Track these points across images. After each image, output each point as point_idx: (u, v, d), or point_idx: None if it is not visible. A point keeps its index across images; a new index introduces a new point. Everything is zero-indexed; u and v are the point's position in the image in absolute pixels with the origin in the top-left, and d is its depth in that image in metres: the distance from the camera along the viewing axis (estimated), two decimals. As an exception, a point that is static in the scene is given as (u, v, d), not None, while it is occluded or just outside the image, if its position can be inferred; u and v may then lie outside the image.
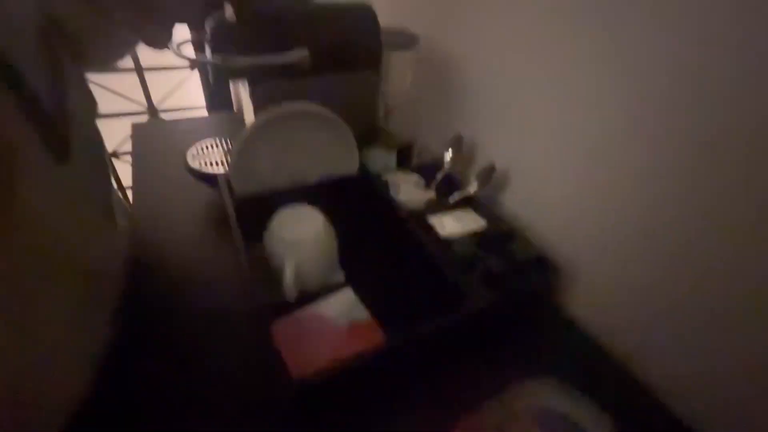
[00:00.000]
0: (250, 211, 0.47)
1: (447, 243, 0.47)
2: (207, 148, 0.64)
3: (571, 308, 0.49)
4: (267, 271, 0.45)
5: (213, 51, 0.47)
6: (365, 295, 0.46)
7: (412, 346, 0.36)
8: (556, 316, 0.48)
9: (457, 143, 0.58)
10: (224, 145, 0.65)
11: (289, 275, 0.43)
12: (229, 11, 0.48)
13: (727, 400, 0.36)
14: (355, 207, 0.53)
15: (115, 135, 1.27)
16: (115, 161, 1.32)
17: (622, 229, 0.42)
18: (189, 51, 0.51)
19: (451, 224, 0.51)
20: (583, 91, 0.43)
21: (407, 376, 0.39)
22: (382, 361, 0.35)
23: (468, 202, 0.54)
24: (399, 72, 0.64)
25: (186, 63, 1.31)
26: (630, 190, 0.40)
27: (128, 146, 1.14)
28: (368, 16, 0.55)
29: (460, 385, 0.38)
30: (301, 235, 0.44)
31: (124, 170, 1.34)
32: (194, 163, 0.60)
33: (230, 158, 0.50)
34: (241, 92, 0.58)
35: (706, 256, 0.35)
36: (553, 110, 0.47)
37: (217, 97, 1.43)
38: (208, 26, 0.49)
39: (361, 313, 0.45)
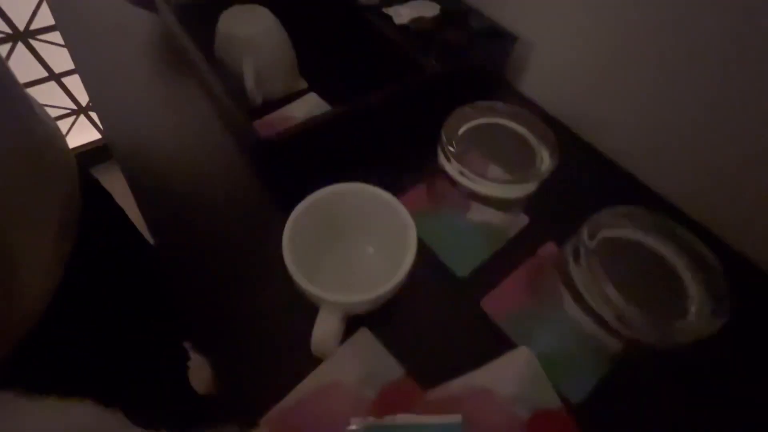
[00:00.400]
0: (194, 20, 0.44)
1: (404, 28, 0.47)
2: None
3: (526, 89, 0.52)
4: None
5: None
6: (330, 99, 0.48)
7: (370, 112, 0.39)
8: (513, 95, 0.52)
9: None
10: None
11: (249, 75, 0.43)
12: None
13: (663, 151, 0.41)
14: (305, 8, 0.50)
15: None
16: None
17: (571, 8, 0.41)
18: None
19: (407, 12, 0.49)
20: None
21: (370, 148, 0.42)
22: (345, 126, 0.38)
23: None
24: None
25: None
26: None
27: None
28: None
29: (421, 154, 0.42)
30: (254, 29, 0.43)
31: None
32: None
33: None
34: None
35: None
36: None
37: None
38: None
39: (326, 108, 0.47)
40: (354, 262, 0.35)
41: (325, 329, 0.27)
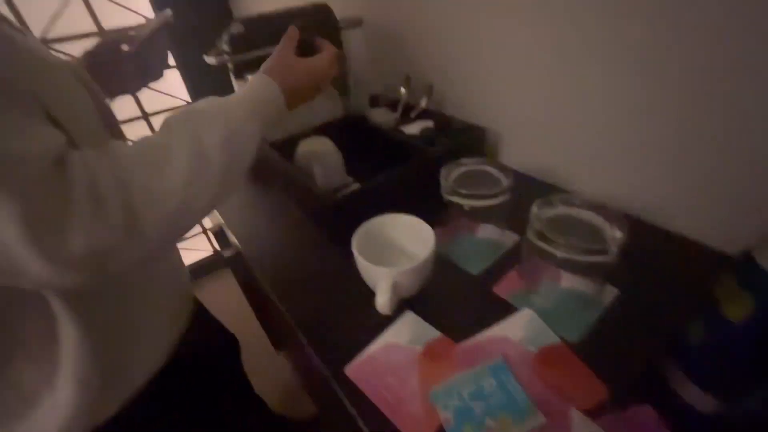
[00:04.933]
0: (282, 147, 0.71)
1: (414, 137, 0.72)
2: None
3: (505, 159, 0.73)
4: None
5: (232, 53, 0.72)
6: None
7: (393, 182, 0.60)
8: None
9: (407, 81, 0.83)
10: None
11: (318, 175, 0.67)
12: (236, 27, 0.74)
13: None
14: (348, 136, 0.77)
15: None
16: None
17: (523, 101, 0.67)
18: (211, 59, 0.76)
19: (414, 128, 0.75)
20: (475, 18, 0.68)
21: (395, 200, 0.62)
22: (377, 190, 0.59)
23: (423, 116, 0.79)
24: (355, 46, 0.89)
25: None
26: (533, 78, 0.65)
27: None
28: (325, 9, 0.81)
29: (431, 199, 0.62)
30: (320, 148, 0.69)
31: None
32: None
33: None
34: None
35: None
36: (460, 37, 0.72)
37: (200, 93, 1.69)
38: (224, 39, 0.74)
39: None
40: (391, 265, 0.51)
41: (383, 290, 0.42)
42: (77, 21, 1.34)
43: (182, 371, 0.50)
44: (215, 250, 2.00)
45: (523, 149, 0.70)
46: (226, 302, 1.77)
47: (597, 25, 0.52)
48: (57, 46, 1.33)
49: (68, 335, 0.37)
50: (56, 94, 0.34)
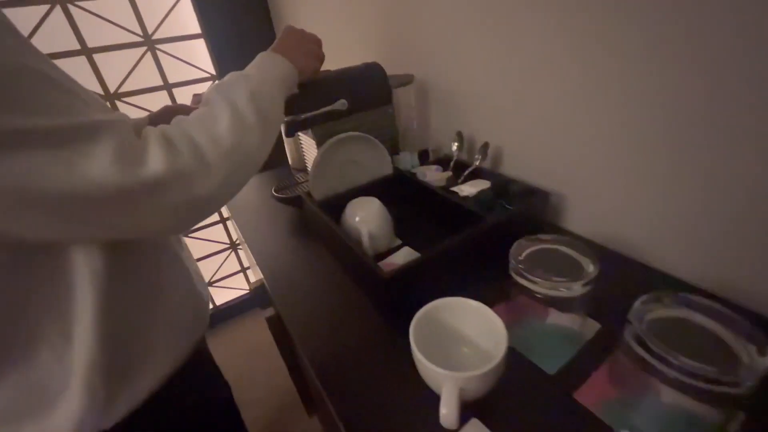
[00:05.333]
0: (330, 207, 0.69)
1: (468, 199, 0.67)
2: (282, 188, 0.89)
3: (571, 227, 0.66)
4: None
5: (287, 115, 0.73)
6: (419, 249, 0.66)
7: (450, 252, 0.55)
8: (556, 231, 0.66)
9: (459, 137, 0.80)
10: (294, 179, 0.90)
11: (365, 238, 0.64)
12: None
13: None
14: (398, 193, 0.74)
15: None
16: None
17: (589, 164, 0.61)
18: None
19: (467, 189, 0.71)
20: (537, 75, 0.65)
21: (457, 275, 0.56)
22: (433, 263, 0.53)
23: (478, 175, 0.75)
24: (405, 103, 0.88)
25: None
26: (600, 139, 0.60)
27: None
28: (377, 68, 0.81)
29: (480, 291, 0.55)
30: (368, 210, 0.66)
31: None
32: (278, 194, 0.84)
33: (310, 174, 0.73)
34: (302, 138, 0.83)
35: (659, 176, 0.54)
36: (519, 96, 0.68)
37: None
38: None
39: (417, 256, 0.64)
40: (452, 359, 0.44)
41: (449, 401, 0.35)
42: (148, 77, 1.47)
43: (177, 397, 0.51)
44: (250, 289, 2.01)
45: (592, 214, 0.63)
46: (257, 350, 1.75)
47: (689, 77, 0.46)
48: (129, 99, 1.46)
49: (82, 339, 0.39)
50: None
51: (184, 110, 0.71)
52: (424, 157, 0.84)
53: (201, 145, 0.39)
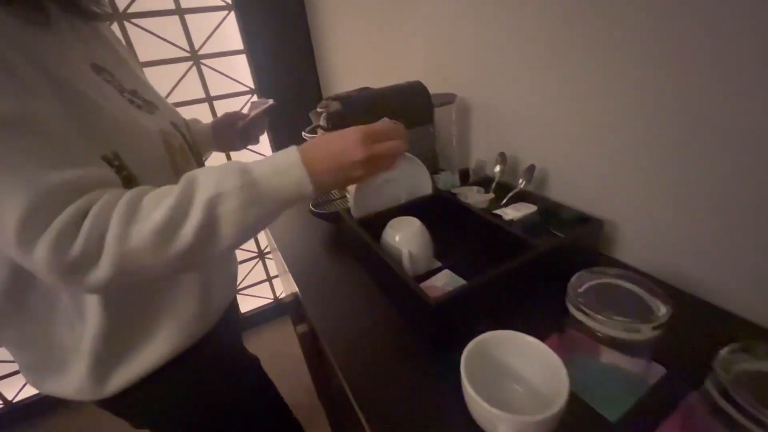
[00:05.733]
0: (369, 225, 0.68)
1: (512, 223, 0.65)
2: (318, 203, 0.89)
3: (623, 258, 0.63)
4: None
5: (330, 131, 0.73)
6: (459, 273, 0.64)
7: (501, 280, 0.52)
8: (611, 262, 0.62)
9: (502, 158, 0.78)
10: (330, 194, 0.90)
11: (406, 259, 0.62)
12: (334, 105, 0.76)
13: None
14: (438, 214, 0.72)
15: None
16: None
17: (644, 190, 0.58)
18: (309, 136, 0.78)
19: (511, 212, 0.68)
20: (588, 98, 0.62)
21: (508, 303, 0.54)
22: (477, 291, 0.51)
23: (522, 198, 0.72)
24: (446, 122, 0.87)
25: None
26: (646, 163, 0.57)
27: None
28: (420, 87, 0.81)
29: (531, 322, 0.52)
30: (409, 231, 0.64)
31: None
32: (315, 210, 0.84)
33: (350, 194, 0.72)
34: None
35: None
36: (568, 117, 0.66)
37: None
38: (323, 117, 0.76)
39: (459, 281, 0.62)
40: (503, 396, 0.41)
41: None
42: (192, 89, 1.54)
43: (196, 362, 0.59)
44: (275, 298, 2.02)
45: (648, 246, 0.59)
46: (279, 362, 1.74)
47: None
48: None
49: (92, 313, 0.48)
50: (132, 150, 0.47)
51: (240, 116, 0.85)
52: (464, 178, 0.83)
53: (109, 236, 0.37)
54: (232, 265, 0.72)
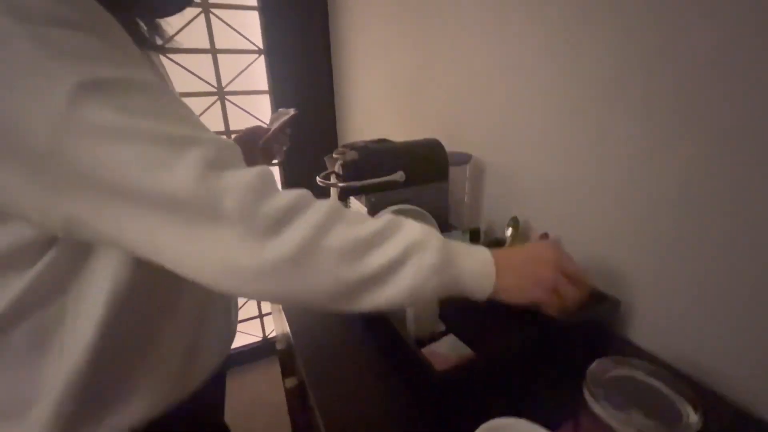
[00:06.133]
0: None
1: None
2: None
3: (637, 341, 0.59)
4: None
5: (345, 179, 0.73)
6: (464, 339, 0.61)
7: (505, 358, 0.49)
8: (627, 344, 0.59)
9: (515, 222, 0.77)
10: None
11: (410, 322, 0.59)
12: (351, 154, 0.77)
13: None
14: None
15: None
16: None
17: (663, 273, 0.56)
18: (329, 180, 0.78)
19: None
20: (602, 165, 0.63)
21: (517, 384, 0.50)
22: (485, 367, 0.48)
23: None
24: (459, 180, 0.88)
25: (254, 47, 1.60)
26: (669, 243, 0.56)
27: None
28: (437, 144, 0.82)
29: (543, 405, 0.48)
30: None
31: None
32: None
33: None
34: (352, 201, 0.83)
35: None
36: (586, 189, 0.66)
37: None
38: (338, 164, 0.77)
39: (465, 349, 0.59)
40: None
41: None
42: (212, 123, 1.58)
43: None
44: (264, 336, 1.94)
45: (663, 329, 0.57)
46: (261, 404, 1.63)
47: None
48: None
49: (70, 359, 0.39)
50: None
51: (262, 131, 0.81)
52: (474, 238, 0.81)
53: (308, 218, 0.34)
54: (232, 322, 0.61)
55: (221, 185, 0.31)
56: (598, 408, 0.38)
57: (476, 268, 0.40)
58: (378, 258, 0.35)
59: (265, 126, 0.82)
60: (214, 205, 0.31)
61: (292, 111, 0.80)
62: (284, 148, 0.83)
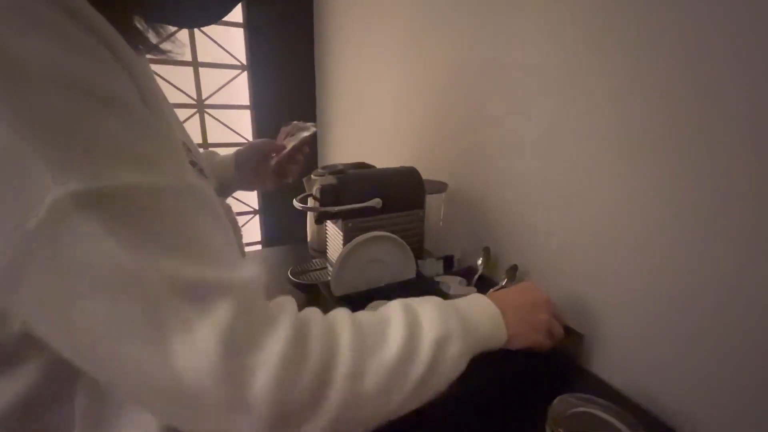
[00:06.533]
0: (348, 303, 0.65)
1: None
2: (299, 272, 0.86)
3: (603, 374, 0.61)
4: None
5: (322, 203, 0.74)
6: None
7: (471, 394, 0.50)
8: (588, 377, 0.61)
9: (486, 252, 0.80)
10: (311, 264, 0.88)
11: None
12: (329, 179, 0.77)
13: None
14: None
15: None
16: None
17: (629, 307, 0.59)
18: (305, 203, 0.78)
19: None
20: (569, 195, 0.66)
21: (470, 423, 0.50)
22: (448, 407, 0.48)
23: (502, 295, 0.72)
24: (435, 208, 0.90)
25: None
26: (635, 269, 0.59)
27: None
28: (414, 173, 0.84)
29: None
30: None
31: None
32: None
33: (333, 269, 0.71)
34: (329, 226, 0.83)
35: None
36: (551, 218, 0.69)
37: (274, 235, 1.78)
38: (316, 188, 0.77)
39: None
40: None
41: None
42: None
43: None
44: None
45: (624, 363, 0.59)
46: None
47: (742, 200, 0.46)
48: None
49: None
50: None
51: (273, 147, 0.71)
52: (448, 264, 0.83)
53: (334, 380, 0.28)
54: None
55: (248, 366, 0.25)
56: (558, 445, 0.39)
57: (490, 326, 0.42)
58: (414, 375, 0.33)
59: (276, 141, 0.72)
60: (237, 395, 0.24)
61: (311, 127, 0.70)
62: (299, 172, 0.75)
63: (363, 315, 0.36)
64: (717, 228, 0.47)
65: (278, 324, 0.27)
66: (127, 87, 0.26)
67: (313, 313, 0.33)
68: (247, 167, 0.69)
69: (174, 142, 0.29)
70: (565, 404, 0.42)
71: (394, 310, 0.37)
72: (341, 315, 0.34)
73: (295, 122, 0.76)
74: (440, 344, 0.35)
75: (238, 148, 0.72)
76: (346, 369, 0.29)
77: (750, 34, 0.42)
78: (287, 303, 0.31)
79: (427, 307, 0.38)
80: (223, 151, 1.63)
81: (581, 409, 0.42)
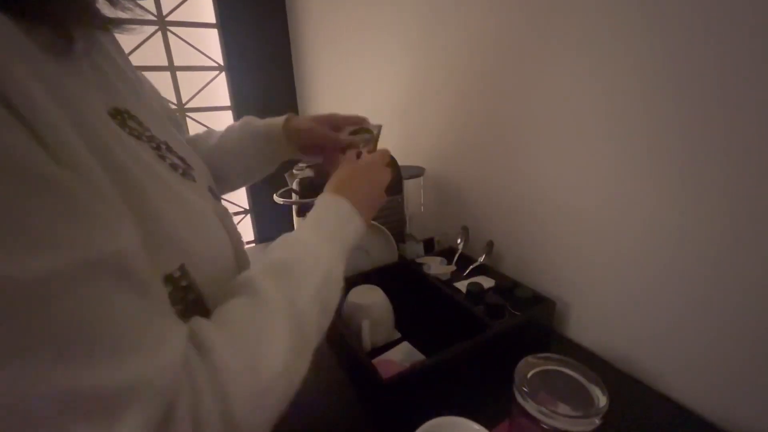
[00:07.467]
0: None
1: (473, 298, 0.67)
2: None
3: (571, 335, 0.65)
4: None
5: (302, 196, 0.76)
6: (419, 346, 0.64)
7: (454, 361, 0.53)
8: (563, 342, 0.64)
9: (465, 232, 0.82)
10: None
11: (366, 331, 0.62)
12: (307, 172, 0.79)
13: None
14: (400, 283, 0.74)
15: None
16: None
17: (592, 272, 0.62)
18: (288, 198, 0.80)
19: (472, 286, 0.71)
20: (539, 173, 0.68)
21: (460, 385, 0.53)
22: (430, 372, 0.51)
23: (480, 271, 0.75)
24: (414, 192, 0.92)
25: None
26: (606, 243, 0.62)
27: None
28: (391, 159, 0.86)
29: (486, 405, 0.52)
30: (371, 300, 0.65)
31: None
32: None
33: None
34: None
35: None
36: (525, 197, 0.72)
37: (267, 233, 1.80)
38: (295, 182, 0.79)
39: (418, 355, 0.62)
40: None
41: None
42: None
43: None
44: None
45: (596, 326, 0.62)
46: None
47: (702, 188, 0.48)
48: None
49: None
50: (198, 255, 0.32)
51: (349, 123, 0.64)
52: (429, 247, 0.86)
53: (238, 418, 0.26)
54: None
55: None
56: (524, 403, 0.42)
57: (352, 228, 0.42)
58: (312, 342, 0.34)
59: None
60: None
61: (379, 126, 0.63)
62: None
63: (235, 321, 0.30)
64: (695, 196, 0.49)
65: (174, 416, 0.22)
66: (15, 143, 0.18)
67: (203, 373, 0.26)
68: (307, 137, 0.61)
69: (103, 195, 0.23)
70: (529, 364, 0.45)
71: (266, 306, 0.31)
72: (223, 366, 0.26)
73: (353, 116, 0.66)
74: (323, 291, 0.35)
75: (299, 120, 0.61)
76: (248, 406, 0.27)
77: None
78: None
79: (289, 263, 0.35)
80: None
81: (544, 367, 0.45)
